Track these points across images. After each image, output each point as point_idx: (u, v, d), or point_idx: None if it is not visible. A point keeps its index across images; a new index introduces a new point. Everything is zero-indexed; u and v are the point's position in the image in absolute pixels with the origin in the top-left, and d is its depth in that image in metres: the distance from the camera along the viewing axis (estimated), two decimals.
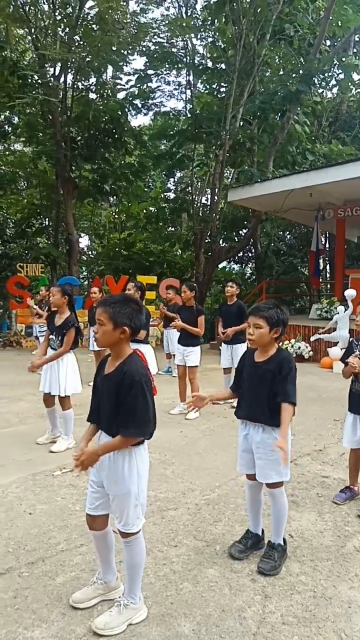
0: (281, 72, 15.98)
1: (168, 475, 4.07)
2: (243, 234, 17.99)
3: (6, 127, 19.03)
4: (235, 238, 19.09)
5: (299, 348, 10.06)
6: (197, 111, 16.00)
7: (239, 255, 19.55)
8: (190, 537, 3.06)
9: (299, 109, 14.50)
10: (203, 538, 3.05)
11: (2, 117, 18.83)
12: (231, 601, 2.44)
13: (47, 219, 19.45)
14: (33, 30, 13.91)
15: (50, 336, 4.64)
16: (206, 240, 16.09)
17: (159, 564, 2.74)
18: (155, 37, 15.15)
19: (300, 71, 13.93)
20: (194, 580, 2.61)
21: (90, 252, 24.55)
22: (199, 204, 17.99)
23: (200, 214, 17.15)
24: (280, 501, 2.73)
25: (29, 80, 14.32)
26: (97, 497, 2.25)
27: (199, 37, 15.85)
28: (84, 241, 25.81)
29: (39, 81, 14.27)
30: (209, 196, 17.44)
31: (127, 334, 2.11)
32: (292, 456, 4.49)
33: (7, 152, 20.02)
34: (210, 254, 15.73)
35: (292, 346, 10.12)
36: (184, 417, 5.90)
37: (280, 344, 10.12)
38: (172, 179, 20.90)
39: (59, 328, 4.52)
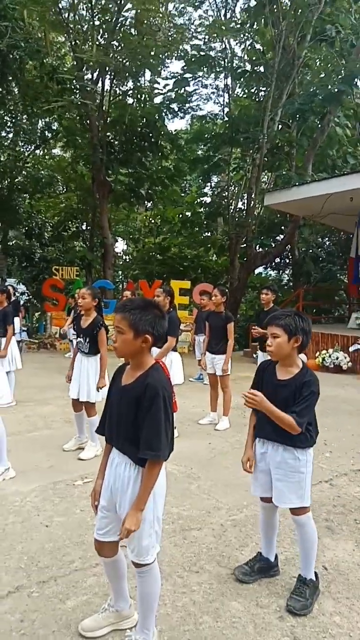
0: (322, 74, 15.57)
1: (193, 490, 3.85)
2: (280, 240, 17.58)
3: (46, 132, 19.45)
4: (272, 243, 18.71)
5: (337, 358, 9.64)
6: (235, 114, 15.80)
7: (275, 261, 19.15)
8: (214, 562, 2.83)
9: (339, 111, 14.05)
10: (227, 564, 2.81)
11: (43, 123, 19.25)
12: None
13: (83, 223, 19.68)
14: (72, 35, 14.08)
15: (78, 339, 4.52)
16: (242, 246, 15.82)
17: (177, 592, 2.52)
18: (194, 39, 15.05)
19: (342, 72, 13.50)
20: (215, 614, 2.37)
21: (125, 256, 24.70)
22: (235, 209, 17.73)
23: (236, 219, 16.89)
24: (307, 530, 2.47)
25: (68, 85, 14.50)
26: (107, 522, 2.04)
27: (237, 39, 15.67)
28: (120, 245, 26.02)
29: (77, 86, 14.44)
30: (245, 201, 17.15)
31: (150, 343, 1.89)
32: (326, 476, 4.21)
33: (47, 157, 20.42)
34: (245, 259, 15.43)
35: (330, 356, 9.71)
36: (214, 428, 5.67)
37: (317, 353, 9.71)
38: (208, 184, 20.75)
39: (86, 330, 4.40)
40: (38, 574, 2.61)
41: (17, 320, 7.24)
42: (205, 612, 2.39)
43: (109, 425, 2.03)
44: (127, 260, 23.79)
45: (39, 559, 2.74)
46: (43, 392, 7.06)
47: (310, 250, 17.89)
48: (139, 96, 16.06)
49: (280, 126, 14.37)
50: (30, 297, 19.31)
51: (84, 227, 19.62)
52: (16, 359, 6.30)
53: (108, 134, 15.90)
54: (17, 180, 19.04)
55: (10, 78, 15.08)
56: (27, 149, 20.31)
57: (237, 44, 15.93)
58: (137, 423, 1.87)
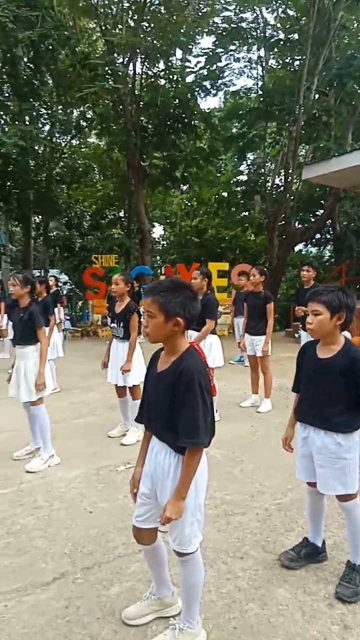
0: None
1: (236, 474, 3.79)
2: (320, 215, 16.97)
3: (81, 122, 19.50)
4: (312, 219, 18.08)
5: None
6: (269, 87, 15.25)
7: (316, 237, 18.52)
8: (259, 547, 2.76)
9: None
10: (273, 550, 2.74)
11: (77, 112, 19.31)
12: (304, 630, 2.12)
13: (120, 210, 19.75)
14: (101, 20, 13.95)
15: (112, 324, 4.52)
16: (280, 223, 15.39)
17: (222, 579, 2.48)
18: (224, 11, 14.56)
19: None
20: (261, 601, 2.31)
21: (162, 241, 24.65)
22: (272, 185, 17.24)
23: (274, 196, 16.42)
24: (356, 515, 2.35)
25: (100, 72, 14.41)
26: (147, 509, 2.00)
27: (269, 8, 15.01)
28: (157, 230, 25.98)
29: (109, 71, 14.33)
30: (283, 176, 16.63)
31: (182, 326, 1.80)
32: None
33: (83, 146, 20.52)
34: (284, 237, 15.02)
35: None
36: (256, 410, 5.57)
37: None
38: (243, 162, 20.24)
39: (119, 315, 4.40)
40: (82, 560, 2.63)
41: (56, 310, 7.35)
42: (251, 599, 2.33)
43: (147, 413, 1.98)
44: (165, 245, 23.74)
45: (83, 545, 2.77)
46: (86, 380, 7.17)
47: (352, 224, 17.17)
48: (170, 77, 15.77)
49: (317, 95, 13.75)
50: (73, 286, 19.67)
51: (121, 214, 19.67)
52: (58, 347, 6.41)
53: (141, 118, 15.75)
54: (55, 171, 19.26)
55: (44, 69, 15.18)
56: (64, 140, 20.48)
57: (269, 12, 15.29)
58: (174, 410, 1.80)
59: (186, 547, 1.90)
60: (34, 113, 15.38)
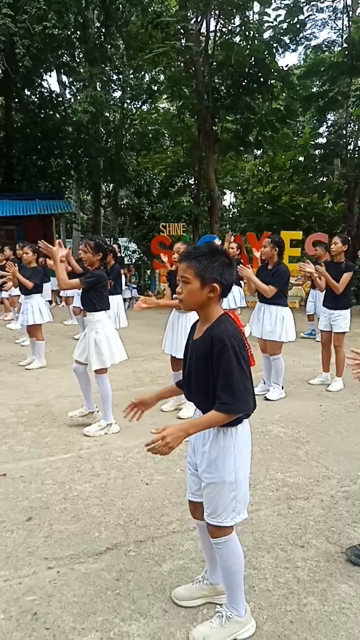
0: None
1: (300, 456, 3.58)
2: None
3: (153, 87, 19.15)
4: None
5: None
6: (355, 39, 13.90)
7: None
8: (322, 537, 2.57)
9: None
10: (338, 541, 2.53)
11: (149, 77, 18.95)
12: None
13: (190, 177, 19.36)
14: None
15: (173, 295, 4.38)
16: None
17: (280, 567, 2.33)
18: None
19: None
20: (322, 596, 2.14)
21: (233, 209, 24.00)
22: (354, 148, 15.98)
23: (356, 159, 15.23)
24: None
25: (172, 32, 13.90)
26: (197, 481, 1.90)
27: None
28: (228, 198, 25.30)
29: (182, 30, 13.77)
30: None
31: (218, 292, 1.73)
32: None
33: (153, 112, 20.20)
34: None
35: None
36: (326, 389, 5.25)
37: None
38: (324, 123, 18.92)
39: None
40: (136, 532, 2.59)
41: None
42: (311, 592, 2.17)
43: (187, 382, 1.90)
44: (235, 213, 23.09)
45: (137, 517, 2.72)
46: (150, 348, 7.16)
47: None
48: (246, 33, 14.84)
49: None
50: (142, 255, 19.79)
51: (190, 181, 19.29)
52: (120, 317, 6.43)
53: (214, 79, 15.08)
54: (126, 138, 19.19)
55: (115, 31, 14.92)
56: (135, 106, 20.27)
57: None
58: (209, 378, 1.73)
59: (221, 519, 1.79)
60: (105, 78, 15.25)
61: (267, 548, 2.46)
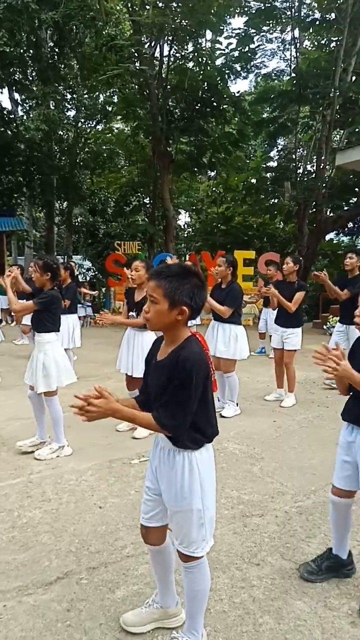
0: None
1: (255, 472, 3.60)
2: (353, 202, 16.35)
3: (107, 107, 19.28)
4: (345, 207, 17.46)
5: None
6: (303, 69, 14.63)
7: (348, 226, 17.89)
8: (277, 554, 2.57)
9: None
10: (292, 557, 2.54)
11: (103, 97, 19.09)
12: None
13: (145, 197, 19.52)
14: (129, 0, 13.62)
15: (130, 313, 4.36)
16: (311, 211, 14.89)
17: (235, 587, 2.30)
18: None
19: None
20: (278, 614, 2.13)
21: (188, 228, 24.34)
22: (303, 172, 16.66)
23: (305, 182, 15.87)
24: None
25: (125, 54, 14.12)
26: (153, 506, 1.86)
27: None
28: (182, 217, 25.66)
29: (135, 54, 14.02)
30: (315, 162, 16.05)
31: (186, 315, 1.65)
32: None
33: (107, 132, 20.32)
34: (315, 225, 14.53)
35: None
36: (279, 405, 5.34)
37: None
38: (274, 147, 19.65)
39: (138, 304, 4.22)
40: (88, 559, 2.49)
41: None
42: (266, 611, 2.15)
43: (145, 401, 1.83)
44: (190, 232, 23.42)
45: (90, 543, 2.63)
46: (105, 367, 7.05)
47: None
48: (199, 59, 15.31)
49: (354, 77, 13.14)
50: (96, 273, 19.63)
51: (145, 200, 19.43)
52: (75, 338, 6.33)
53: (168, 102, 15.39)
54: (79, 157, 19.13)
55: (69, 52, 14.98)
56: (89, 125, 20.30)
57: None
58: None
59: (193, 550, 1.75)
60: (58, 97, 15.21)
61: (223, 568, 2.44)
